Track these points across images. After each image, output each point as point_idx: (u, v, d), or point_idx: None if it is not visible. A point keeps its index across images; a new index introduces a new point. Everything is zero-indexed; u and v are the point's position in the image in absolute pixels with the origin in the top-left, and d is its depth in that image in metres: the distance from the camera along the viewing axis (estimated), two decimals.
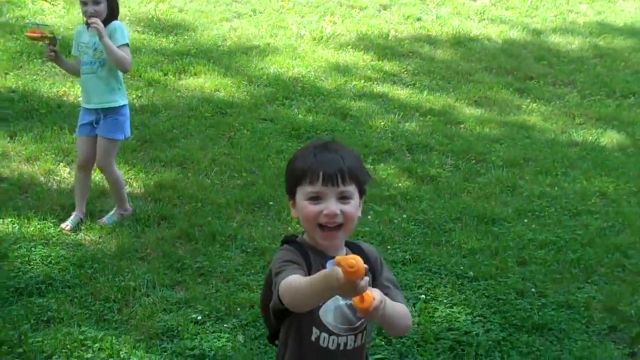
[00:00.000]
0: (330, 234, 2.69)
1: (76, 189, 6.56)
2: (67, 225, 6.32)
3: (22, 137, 7.72)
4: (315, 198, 2.65)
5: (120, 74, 6.34)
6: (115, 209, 6.56)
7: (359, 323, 2.75)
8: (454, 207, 7.11)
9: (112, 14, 6.20)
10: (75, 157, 7.32)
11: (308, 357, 2.74)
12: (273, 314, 2.73)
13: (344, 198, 2.66)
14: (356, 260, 2.22)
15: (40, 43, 6.63)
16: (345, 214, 2.66)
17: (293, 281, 2.51)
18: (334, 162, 2.66)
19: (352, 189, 2.68)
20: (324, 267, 2.58)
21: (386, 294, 2.64)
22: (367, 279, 2.28)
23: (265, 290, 2.84)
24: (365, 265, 2.25)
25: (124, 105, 6.40)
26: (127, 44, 6.19)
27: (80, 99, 6.78)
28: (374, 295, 2.38)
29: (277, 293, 2.57)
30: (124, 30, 6.22)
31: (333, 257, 2.36)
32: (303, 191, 2.68)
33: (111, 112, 6.32)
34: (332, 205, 2.64)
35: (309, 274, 2.58)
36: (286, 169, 2.80)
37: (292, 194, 2.75)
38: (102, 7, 6.10)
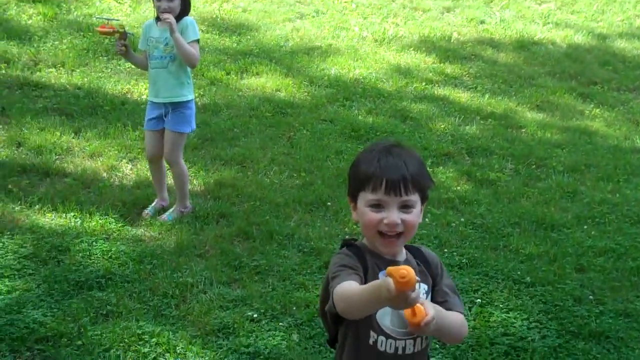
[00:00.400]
0: (390, 242, 2.67)
1: (153, 179, 6.81)
2: (147, 212, 6.57)
3: (86, 133, 7.87)
4: (377, 206, 2.63)
5: (189, 69, 6.45)
6: (175, 205, 6.67)
7: None
8: (512, 212, 7.06)
9: (185, 9, 6.32)
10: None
11: None
12: (330, 317, 2.74)
13: (405, 207, 2.63)
14: (407, 270, 2.19)
15: (111, 38, 6.75)
16: (407, 223, 2.63)
17: (346, 289, 2.50)
18: (397, 169, 2.62)
19: (414, 197, 2.64)
20: (381, 271, 2.61)
21: (445, 301, 2.68)
22: (419, 291, 2.28)
23: (323, 292, 2.80)
24: (418, 278, 2.24)
25: (191, 100, 6.53)
26: (197, 40, 6.31)
27: (148, 93, 6.89)
28: (427, 310, 2.38)
29: (331, 298, 2.57)
30: (195, 26, 6.33)
31: (391, 263, 2.37)
32: (365, 197, 2.65)
33: (179, 106, 6.45)
34: (393, 215, 2.61)
35: (366, 279, 2.58)
36: (349, 171, 2.77)
37: (353, 197, 2.72)
38: (176, 4, 6.22)
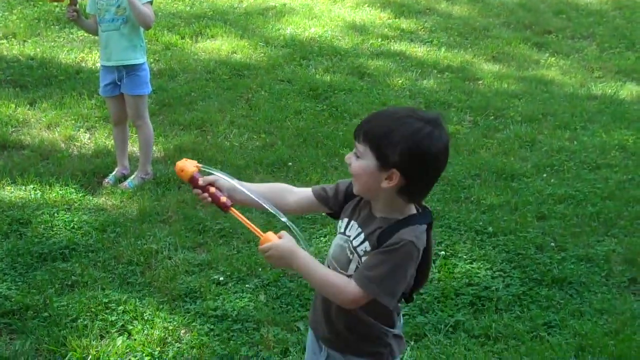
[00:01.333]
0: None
1: (115, 145, 6.78)
2: (107, 181, 6.55)
3: (41, 104, 7.77)
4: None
5: (142, 31, 6.38)
6: (137, 172, 6.65)
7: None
8: (472, 164, 7.11)
9: None
10: (97, 121, 7.41)
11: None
12: None
13: (356, 155, 2.68)
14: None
15: (61, 5, 6.66)
16: (350, 168, 2.71)
17: None
18: (367, 119, 2.71)
19: (362, 148, 2.64)
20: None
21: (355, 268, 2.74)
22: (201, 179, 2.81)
23: None
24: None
25: (144, 62, 6.49)
26: (150, 2, 6.22)
27: (100, 58, 6.76)
28: (271, 238, 2.65)
29: None
30: None
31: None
32: None
33: (133, 69, 6.39)
34: (347, 157, 2.73)
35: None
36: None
37: None
38: None
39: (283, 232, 2.71)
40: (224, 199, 2.81)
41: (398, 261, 2.64)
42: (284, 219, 2.75)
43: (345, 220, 2.85)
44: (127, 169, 6.75)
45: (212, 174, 2.85)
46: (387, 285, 2.64)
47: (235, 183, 2.84)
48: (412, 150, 2.57)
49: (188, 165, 2.87)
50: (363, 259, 2.72)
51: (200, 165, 2.88)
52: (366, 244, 2.72)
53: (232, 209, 2.81)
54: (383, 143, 2.61)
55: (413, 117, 2.62)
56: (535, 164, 7.20)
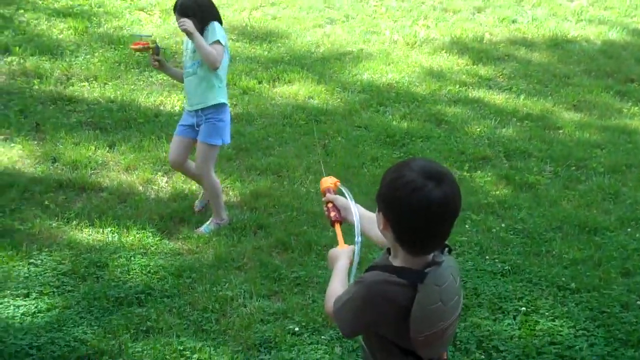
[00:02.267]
0: None
1: (189, 178, 7.03)
2: (197, 206, 6.85)
3: (120, 147, 7.85)
4: None
5: (221, 73, 6.32)
6: (212, 218, 6.62)
7: None
8: (554, 216, 6.94)
9: (205, 17, 6.18)
10: None
11: None
12: None
13: None
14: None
15: (144, 53, 6.77)
16: None
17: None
18: None
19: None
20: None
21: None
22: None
23: None
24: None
25: (224, 107, 6.42)
26: (218, 41, 6.15)
27: (184, 103, 6.83)
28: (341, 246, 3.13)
29: None
30: (216, 28, 6.18)
31: None
32: None
33: (212, 114, 6.36)
34: None
35: None
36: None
37: None
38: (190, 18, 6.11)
39: (351, 247, 3.07)
40: (333, 213, 3.23)
41: (353, 294, 2.71)
42: (357, 239, 3.03)
43: None
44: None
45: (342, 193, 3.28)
46: (342, 313, 2.76)
47: (350, 204, 3.20)
48: (389, 198, 2.62)
49: (327, 181, 3.38)
50: None
51: (338, 182, 3.37)
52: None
53: (337, 225, 3.23)
54: (380, 187, 2.69)
55: (406, 166, 2.62)
56: (619, 217, 6.99)
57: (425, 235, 2.62)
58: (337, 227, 3.23)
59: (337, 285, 2.92)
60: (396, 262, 2.71)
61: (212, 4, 6.31)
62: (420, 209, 2.54)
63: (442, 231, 2.64)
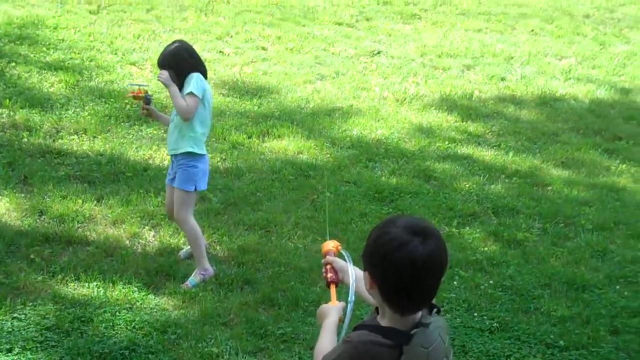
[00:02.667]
0: None
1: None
2: (180, 255, 6.95)
3: (108, 200, 7.82)
4: None
5: (195, 123, 6.43)
6: (196, 270, 6.59)
7: None
8: (542, 273, 6.93)
9: (182, 69, 6.39)
10: (162, 219, 7.45)
11: None
12: None
13: None
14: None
15: (140, 102, 6.90)
16: None
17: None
18: None
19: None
20: None
21: None
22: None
23: None
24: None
25: (195, 155, 6.51)
26: (191, 92, 6.26)
27: None
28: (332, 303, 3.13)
29: None
30: (192, 80, 6.31)
31: None
32: None
33: (184, 160, 6.50)
34: None
35: None
36: None
37: None
38: (167, 73, 6.38)
39: (341, 304, 3.06)
40: (330, 274, 3.23)
41: (340, 354, 2.66)
42: (351, 298, 3.01)
43: None
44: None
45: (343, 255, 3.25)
46: None
47: (348, 266, 3.17)
48: (372, 255, 2.62)
49: (328, 245, 3.37)
50: None
51: (339, 246, 3.35)
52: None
53: (332, 286, 3.22)
54: (365, 246, 2.68)
55: (392, 222, 2.62)
56: (607, 274, 6.98)
57: (411, 292, 2.59)
58: (332, 288, 3.23)
59: (326, 343, 2.88)
60: (384, 322, 2.68)
61: (193, 55, 6.50)
62: (405, 265, 2.52)
63: (429, 288, 2.62)
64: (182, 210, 6.55)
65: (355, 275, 3.10)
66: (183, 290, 6.34)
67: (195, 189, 6.56)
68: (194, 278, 6.54)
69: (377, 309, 2.77)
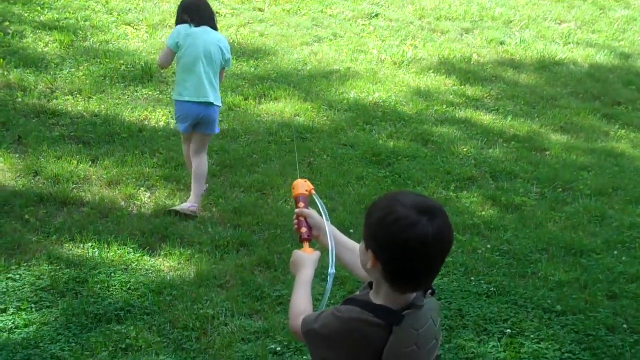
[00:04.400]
0: None
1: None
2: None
3: (103, 161, 7.75)
4: None
5: (177, 68, 7.12)
6: (189, 199, 7.04)
7: None
8: (540, 238, 6.89)
9: (176, 22, 7.20)
10: (157, 180, 7.40)
11: None
12: None
13: None
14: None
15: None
16: None
17: None
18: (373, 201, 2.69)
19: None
20: None
21: None
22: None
23: None
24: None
25: (175, 100, 7.14)
26: (167, 43, 7.08)
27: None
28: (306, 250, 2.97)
29: None
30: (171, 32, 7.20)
31: None
32: None
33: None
34: None
35: None
36: None
37: None
38: None
39: (316, 253, 2.94)
40: (303, 229, 3.00)
41: (328, 326, 2.59)
42: (330, 270, 2.86)
43: None
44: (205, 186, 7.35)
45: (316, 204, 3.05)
46: (314, 339, 2.66)
47: (324, 223, 2.99)
48: (379, 235, 2.50)
49: (301, 186, 3.10)
50: None
51: (312, 190, 3.10)
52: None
53: (306, 243, 3.00)
54: (366, 221, 2.58)
55: (398, 200, 2.51)
56: (605, 239, 6.95)
57: (418, 272, 2.52)
58: (306, 246, 3.02)
59: (302, 300, 2.84)
60: (377, 299, 2.60)
61: (187, 9, 7.06)
62: (415, 245, 2.44)
63: (436, 267, 2.56)
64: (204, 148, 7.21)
65: (333, 238, 2.99)
66: (179, 252, 6.30)
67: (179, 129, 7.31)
68: (182, 205, 6.98)
69: (370, 283, 2.70)
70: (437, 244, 2.47)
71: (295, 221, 3.05)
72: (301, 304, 2.82)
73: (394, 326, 2.51)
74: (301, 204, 3.05)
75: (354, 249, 2.94)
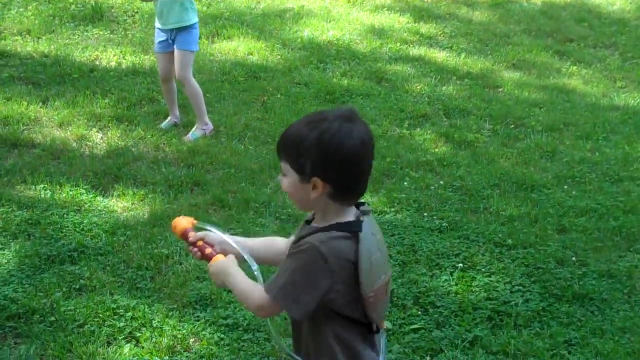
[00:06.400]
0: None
1: (165, 97, 7.71)
2: (162, 127, 7.46)
3: (54, 102, 7.66)
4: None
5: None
6: (196, 125, 7.38)
7: None
8: (492, 173, 6.96)
9: None
10: (110, 120, 7.30)
11: None
12: None
13: (283, 174, 2.65)
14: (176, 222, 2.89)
15: None
16: (282, 188, 2.68)
17: None
18: (281, 136, 2.64)
19: (283, 164, 2.62)
20: None
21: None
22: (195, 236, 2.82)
23: None
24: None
25: (196, 22, 7.30)
26: None
27: (155, 22, 7.39)
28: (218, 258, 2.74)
29: None
30: None
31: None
32: None
33: (185, 28, 7.18)
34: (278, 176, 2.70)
35: None
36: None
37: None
38: None
39: (230, 255, 2.75)
40: (208, 250, 2.82)
41: (298, 265, 2.54)
42: (254, 267, 2.70)
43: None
44: (178, 118, 7.65)
45: (205, 229, 2.88)
46: (289, 291, 2.55)
47: (225, 237, 2.83)
48: (323, 155, 2.51)
49: (181, 222, 2.91)
50: None
51: (195, 221, 2.92)
52: None
53: (217, 257, 2.79)
54: (297, 155, 2.55)
55: (321, 119, 2.55)
56: (556, 174, 7.04)
57: (366, 173, 2.59)
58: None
59: (247, 283, 2.67)
60: (337, 220, 2.60)
61: None
62: (358, 147, 2.52)
63: (372, 164, 2.62)
64: (186, 69, 7.24)
65: (239, 242, 2.84)
66: (132, 192, 6.27)
67: (197, 49, 7.48)
68: (195, 132, 7.34)
69: (307, 221, 2.70)
70: (370, 142, 2.57)
71: (195, 249, 2.84)
72: (247, 284, 2.67)
73: (360, 234, 2.55)
74: (192, 233, 2.87)
75: (264, 243, 2.93)
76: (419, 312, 4.86)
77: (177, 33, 7.17)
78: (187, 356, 4.35)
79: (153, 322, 4.60)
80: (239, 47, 9.55)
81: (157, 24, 7.31)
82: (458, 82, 9.28)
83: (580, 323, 4.85)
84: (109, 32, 9.47)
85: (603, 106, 8.97)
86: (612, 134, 8.10)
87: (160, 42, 7.32)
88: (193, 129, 7.36)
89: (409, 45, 10.28)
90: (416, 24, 11.08)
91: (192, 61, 7.40)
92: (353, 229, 2.56)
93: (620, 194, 6.67)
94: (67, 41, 9.14)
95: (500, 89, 9.21)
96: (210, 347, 4.42)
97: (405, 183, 6.64)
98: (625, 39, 11.43)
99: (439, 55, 10.05)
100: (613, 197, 6.61)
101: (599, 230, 6.04)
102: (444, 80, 9.26)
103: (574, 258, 5.60)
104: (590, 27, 11.84)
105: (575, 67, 10.18)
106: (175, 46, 7.20)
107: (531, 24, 11.64)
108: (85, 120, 7.40)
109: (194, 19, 7.24)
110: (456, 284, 5.17)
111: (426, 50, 10.18)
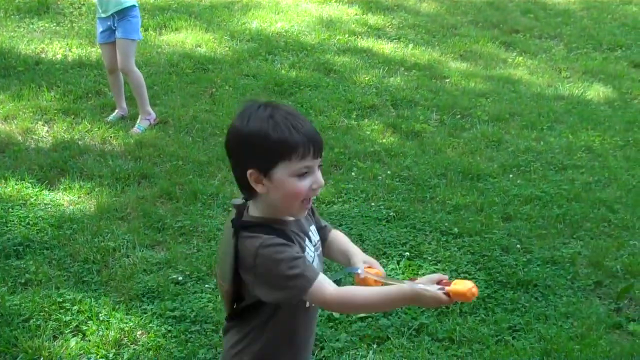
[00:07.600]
0: (307, 205, 2.56)
1: (112, 89, 7.67)
2: (109, 120, 7.42)
3: None
4: (305, 173, 2.47)
5: None
6: (140, 116, 7.35)
7: None
8: (438, 163, 7.03)
9: None
10: (55, 113, 7.23)
11: (300, 326, 2.66)
12: (263, 303, 2.55)
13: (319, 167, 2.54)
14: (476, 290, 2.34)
15: None
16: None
17: (354, 295, 2.48)
18: (315, 132, 2.49)
19: (319, 161, 2.55)
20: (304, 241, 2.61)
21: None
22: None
23: (233, 281, 2.55)
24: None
25: (134, 6, 7.24)
26: None
27: (96, 12, 7.39)
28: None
29: (306, 294, 2.44)
30: None
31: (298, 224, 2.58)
32: (289, 167, 2.45)
33: (124, 15, 7.16)
34: (320, 177, 2.51)
35: None
36: (251, 142, 2.49)
37: (266, 169, 2.47)
38: None
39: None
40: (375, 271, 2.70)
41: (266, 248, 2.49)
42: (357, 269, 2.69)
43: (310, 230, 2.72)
44: (125, 110, 7.61)
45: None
46: (288, 272, 2.48)
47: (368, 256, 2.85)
48: (254, 147, 2.46)
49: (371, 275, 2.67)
50: None
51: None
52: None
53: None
54: (242, 154, 2.53)
55: (252, 116, 2.48)
56: (501, 164, 7.13)
57: (276, 155, 2.49)
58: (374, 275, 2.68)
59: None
60: (257, 212, 2.56)
61: None
62: (261, 129, 2.45)
63: None
64: (128, 59, 7.23)
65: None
66: (78, 185, 6.22)
67: (139, 38, 7.47)
68: (141, 124, 7.32)
69: (239, 206, 2.60)
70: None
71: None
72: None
73: None
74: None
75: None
76: None
77: (118, 20, 7.14)
78: (134, 349, 4.34)
79: (100, 315, 4.58)
80: (186, 39, 9.51)
81: (99, 14, 7.28)
82: (406, 73, 9.33)
83: (524, 309, 4.93)
84: (55, 24, 9.38)
85: (548, 96, 9.09)
86: (556, 123, 8.22)
87: (102, 32, 7.29)
88: (138, 120, 7.34)
89: (357, 37, 10.32)
90: (364, 16, 11.12)
91: (134, 51, 7.39)
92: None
93: (564, 182, 6.78)
94: (12, 34, 9.03)
95: (447, 80, 9.29)
96: (158, 339, 4.41)
97: (353, 173, 6.68)
98: (570, 30, 11.58)
99: (387, 47, 10.10)
100: (557, 185, 6.72)
101: (543, 218, 6.13)
102: (391, 71, 9.32)
103: (518, 245, 5.68)
104: (536, 18, 11.98)
105: (521, 58, 10.31)
106: (116, 35, 7.20)
107: (478, 15, 11.75)
108: (31, 114, 7.33)
109: (132, 2, 7.22)
110: (403, 273, 5.21)
111: (374, 42, 10.23)
